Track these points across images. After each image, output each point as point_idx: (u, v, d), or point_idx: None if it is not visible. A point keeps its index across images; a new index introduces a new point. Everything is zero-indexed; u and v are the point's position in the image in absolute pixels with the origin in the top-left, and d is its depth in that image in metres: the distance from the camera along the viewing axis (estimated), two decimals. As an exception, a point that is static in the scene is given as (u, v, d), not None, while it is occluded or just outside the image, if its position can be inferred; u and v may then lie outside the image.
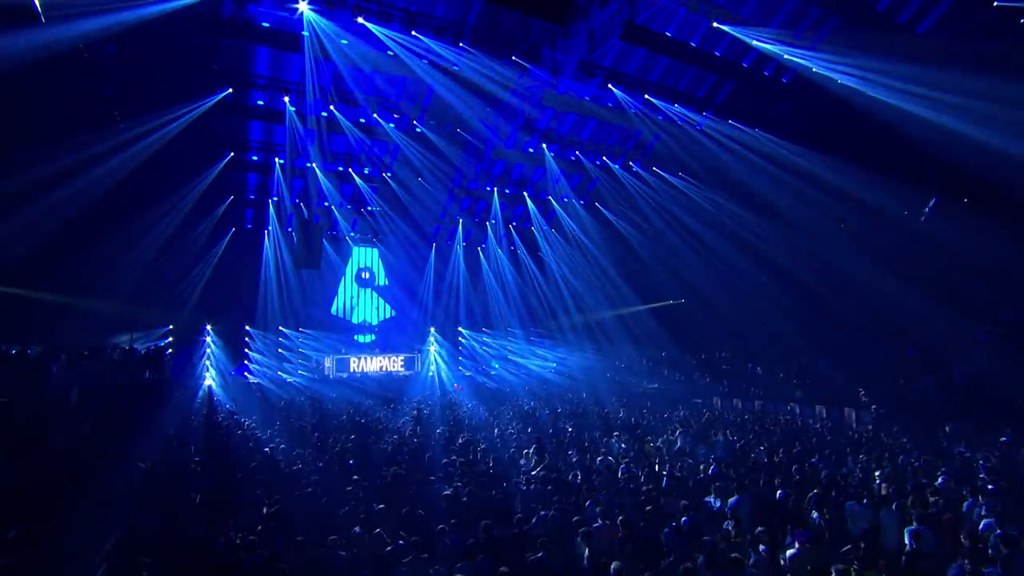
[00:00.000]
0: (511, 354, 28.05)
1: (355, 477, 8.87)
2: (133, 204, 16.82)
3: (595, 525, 6.95)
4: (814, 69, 14.84)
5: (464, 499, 8.18)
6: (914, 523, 6.63)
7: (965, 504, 7.52)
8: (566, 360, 27.41)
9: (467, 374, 26.30)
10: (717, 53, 16.02)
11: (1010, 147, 12.05)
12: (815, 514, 7.36)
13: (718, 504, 7.88)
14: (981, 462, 9.81)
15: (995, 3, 11.68)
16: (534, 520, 7.24)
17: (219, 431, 13.39)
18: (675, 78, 17.57)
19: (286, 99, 15.92)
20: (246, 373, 22.86)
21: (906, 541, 6.40)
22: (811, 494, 7.81)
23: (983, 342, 15.77)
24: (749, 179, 18.54)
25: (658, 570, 5.82)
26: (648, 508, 7.44)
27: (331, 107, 16.49)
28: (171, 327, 20.57)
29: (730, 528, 6.70)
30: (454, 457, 10.66)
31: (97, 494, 8.18)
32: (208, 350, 21.78)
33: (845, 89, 14.56)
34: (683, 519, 6.87)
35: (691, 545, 6.12)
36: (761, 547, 5.89)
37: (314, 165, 19.84)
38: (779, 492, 8.10)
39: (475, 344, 28.32)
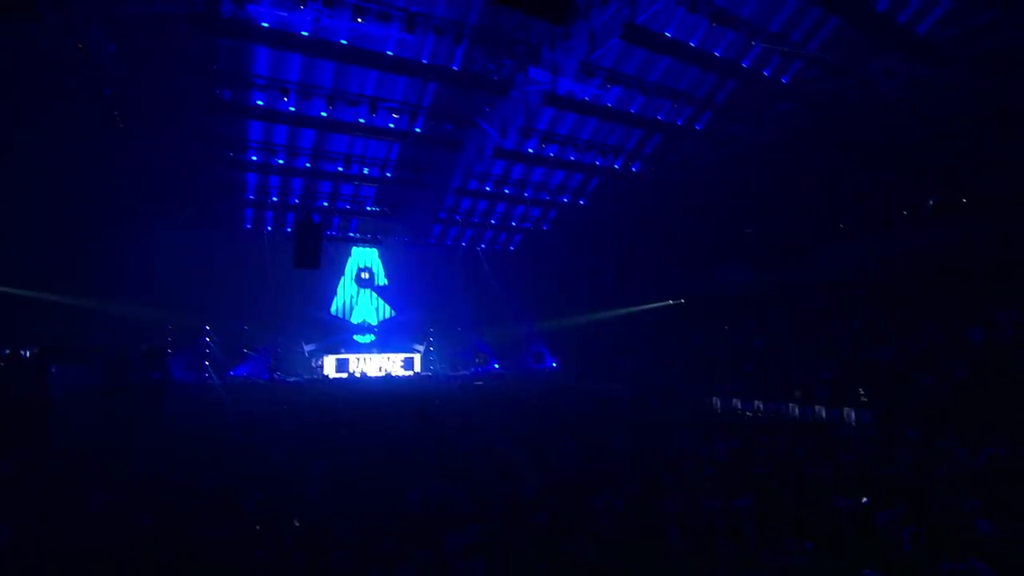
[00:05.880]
0: (512, 353, 28.09)
1: (358, 476, 8.86)
2: (132, 204, 16.83)
3: (597, 523, 6.95)
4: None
5: (465, 498, 8.16)
6: (913, 523, 6.60)
7: (967, 503, 7.50)
8: (566, 359, 27.42)
9: (466, 373, 26.29)
10: (717, 53, 16.02)
11: (1009, 147, 12.06)
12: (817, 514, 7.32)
13: (719, 504, 7.84)
14: (978, 460, 9.78)
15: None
16: (534, 519, 7.21)
17: (219, 431, 13.37)
18: (675, 78, 17.55)
19: (285, 99, 15.90)
20: (245, 373, 22.84)
21: (906, 540, 6.38)
22: (814, 494, 7.78)
23: (982, 341, 15.76)
24: (749, 178, 18.55)
25: (661, 569, 5.80)
26: (649, 507, 7.43)
27: (331, 107, 16.48)
28: (170, 327, 20.54)
29: (735, 528, 6.68)
30: (455, 456, 10.65)
31: (98, 493, 8.16)
32: (207, 350, 21.78)
33: (846, 89, 14.58)
34: (686, 520, 6.84)
35: (696, 545, 6.10)
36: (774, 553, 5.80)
37: (313, 165, 19.84)
38: (781, 492, 8.07)
39: (474, 344, 28.32)
